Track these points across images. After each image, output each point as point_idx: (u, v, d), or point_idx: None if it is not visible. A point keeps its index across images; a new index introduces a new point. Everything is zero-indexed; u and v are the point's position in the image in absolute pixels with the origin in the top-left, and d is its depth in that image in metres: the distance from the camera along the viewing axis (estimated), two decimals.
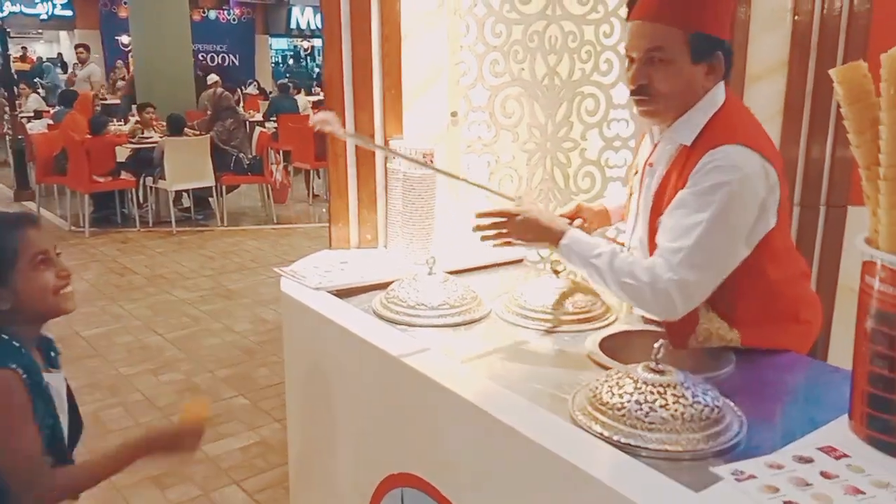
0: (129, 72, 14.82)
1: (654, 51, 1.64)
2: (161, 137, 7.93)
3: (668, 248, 1.62)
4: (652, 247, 1.73)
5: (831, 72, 1.33)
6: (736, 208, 1.59)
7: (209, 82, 10.98)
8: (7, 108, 9.94)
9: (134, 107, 9.94)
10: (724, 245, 1.61)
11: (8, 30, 15.67)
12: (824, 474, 1.21)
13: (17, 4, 19.60)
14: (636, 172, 1.91)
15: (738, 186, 1.58)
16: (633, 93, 1.72)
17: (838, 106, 1.35)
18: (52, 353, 1.60)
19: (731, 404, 1.45)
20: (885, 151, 1.26)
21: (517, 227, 1.79)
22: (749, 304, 1.72)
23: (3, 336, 1.43)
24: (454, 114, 2.61)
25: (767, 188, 1.62)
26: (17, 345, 1.44)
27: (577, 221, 1.96)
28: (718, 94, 1.70)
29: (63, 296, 1.49)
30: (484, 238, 1.84)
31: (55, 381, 1.53)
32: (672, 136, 1.73)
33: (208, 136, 7.81)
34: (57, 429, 1.51)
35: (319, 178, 9.24)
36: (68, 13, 20.33)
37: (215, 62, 20.55)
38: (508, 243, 1.83)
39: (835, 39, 2.67)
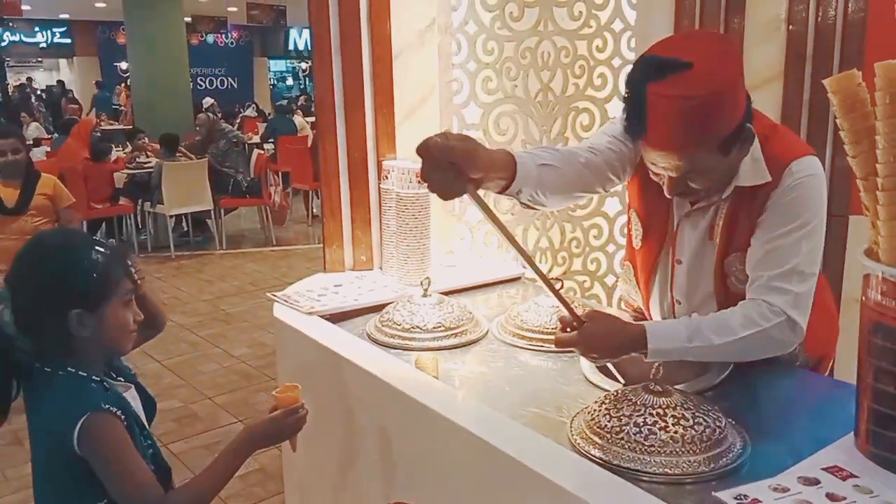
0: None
1: (688, 173, 1.54)
2: (157, 160, 7.91)
3: (774, 275, 1.55)
4: (721, 293, 1.68)
5: (825, 81, 1.30)
6: (822, 213, 1.62)
7: (205, 105, 10.99)
8: None
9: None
10: (819, 249, 1.62)
11: (8, 59, 15.80)
12: (831, 496, 1.17)
13: (17, 34, 19.77)
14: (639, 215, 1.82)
15: (818, 195, 1.61)
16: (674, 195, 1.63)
17: (835, 115, 1.32)
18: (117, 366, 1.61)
19: (734, 423, 1.41)
20: (883, 161, 1.23)
21: (588, 349, 1.58)
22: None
23: (82, 374, 1.43)
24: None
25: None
26: (99, 379, 1.46)
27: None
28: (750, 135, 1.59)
29: (131, 337, 1.52)
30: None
31: (131, 396, 1.55)
32: (742, 185, 1.61)
33: (206, 159, 7.80)
34: (156, 450, 1.54)
35: (318, 198, 9.20)
36: (67, 41, 20.52)
37: (213, 86, 20.65)
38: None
39: (830, 48, 2.65)
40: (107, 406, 1.39)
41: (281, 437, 1.59)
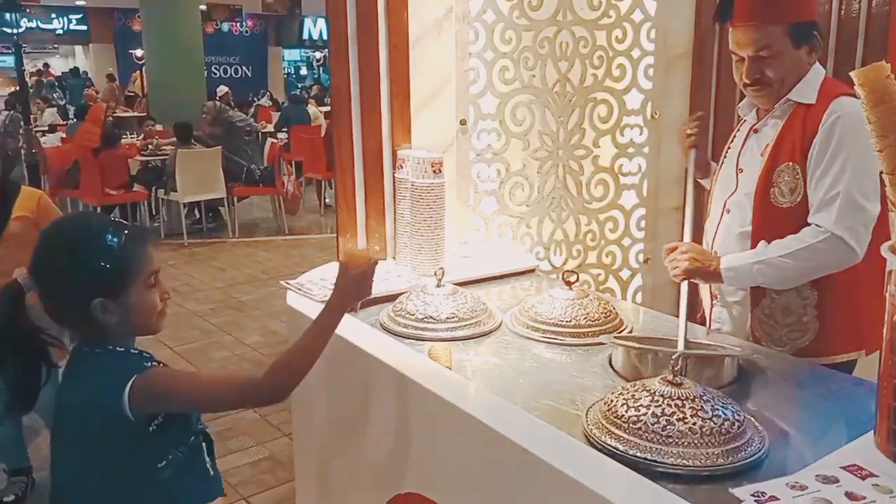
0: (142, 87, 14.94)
1: (762, 50, 1.84)
2: (171, 147, 7.94)
3: (819, 200, 1.78)
4: (762, 199, 1.88)
5: (853, 74, 1.27)
6: (860, 150, 1.70)
7: (219, 94, 10.99)
8: (22, 123, 10.00)
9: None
10: (868, 181, 1.74)
11: (24, 45, 15.83)
12: (850, 495, 1.16)
13: (34, 20, 19.83)
14: (729, 147, 2.08)
15: (858, 133, 1.66)
16: (748, 85, 1.91)
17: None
18: None
19: (752, 419, 1.39)
20: None
21: (686, 250, 1.92)
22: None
23: (120, 349, 1.44)
24: (463, 122, 2.57)
25: None
26: (137, 351, 1.47)
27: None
28: (819, 66, 1.92)
29: (161, 316, 1.50)
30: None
31: None
32: (792, 99, 1.88)
33: (219, 147, 7.81)
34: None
35: (331, 188, 9.20)
36: (83, 28, 20.58)
37: (228, 74, 20.65)
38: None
39: (853, 42, 2.62)
40: (150, 364, 1.41)
41: (361, 289, 1.61)
